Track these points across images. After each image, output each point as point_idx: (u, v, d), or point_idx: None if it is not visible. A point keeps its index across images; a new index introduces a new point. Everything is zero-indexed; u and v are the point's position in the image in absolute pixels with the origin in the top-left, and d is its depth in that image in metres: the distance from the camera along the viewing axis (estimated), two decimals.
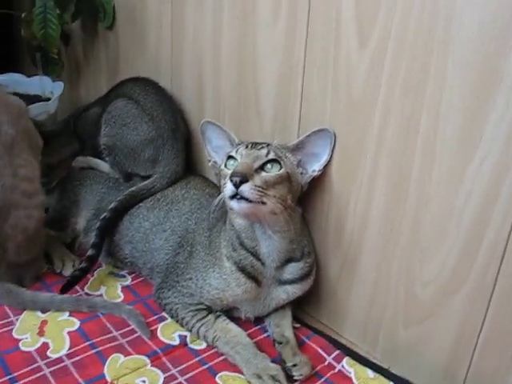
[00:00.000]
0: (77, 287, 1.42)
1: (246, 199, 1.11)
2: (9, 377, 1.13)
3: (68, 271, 1.49)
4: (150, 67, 1.77)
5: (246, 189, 1.10)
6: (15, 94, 1.99)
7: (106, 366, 1.18)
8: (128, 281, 1.50)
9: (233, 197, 1.12)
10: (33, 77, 2.01)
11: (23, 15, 1.86)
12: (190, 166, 1.64)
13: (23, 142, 1.42)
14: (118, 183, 1.61)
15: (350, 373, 1.21)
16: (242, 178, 1.10)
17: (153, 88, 1.65)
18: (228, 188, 1.12)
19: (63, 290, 1.36)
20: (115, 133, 1.59)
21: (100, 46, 2.00)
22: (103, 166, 1.66)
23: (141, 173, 1.58)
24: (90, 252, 1.44)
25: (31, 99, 1.91)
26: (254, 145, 1.22)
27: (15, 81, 2.05)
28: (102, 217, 1.48)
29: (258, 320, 1.35)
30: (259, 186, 1.12)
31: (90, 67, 2.12)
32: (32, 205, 1.40)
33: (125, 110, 1.59)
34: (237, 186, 1.10)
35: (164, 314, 1.35)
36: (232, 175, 1.12)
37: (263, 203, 1.12)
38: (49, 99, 1.90)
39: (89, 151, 1.74)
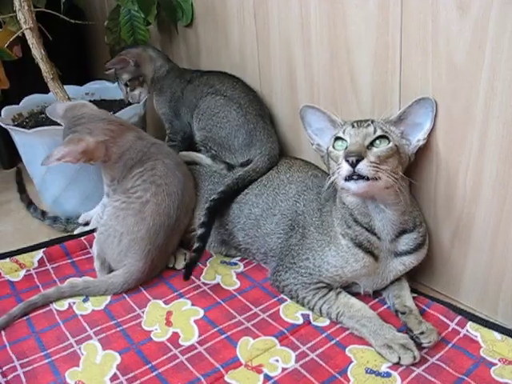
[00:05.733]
0: (193, 277, 1.47)
1: (363, 177, 1.14)
2: (149, 365, 1.19)
3: (180, 264, 1.55)
4: (235, 59, 1.81)
5: (362, 167, 1.13)
6: (103, 100, 2.07)
7: (237, 349, 1.22)
8: (241, 268, 1.55)
9: (349, 178, 1.15)
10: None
11: (106, 23, 1.93)
12: (286, 149, 1.69)
13: None
14: (222, 177, 1.64)
15: (475, 336, 1.22)
16: (358, 157, 1.13)
17: (242, 84, 1.73)
18: (344, 168, 1.15)
19: (187, 274, 1.43)
20: (205, 124, 1.67)
21: (179, 45, 2.05)
22: (205, 159, 1.70)
23: (239, 160, 1.64)
24: (200, 231, 1.47)
25: (119, 104, 1.98)
26: (360, 123, 1.24)
27: (104, 88, 2.12)
28: (210, 198, 1.52)
29: (375, 293, 1.37)
30: (374, 162, 1.15)
31: None
32: None
33: (213, 101, 1.67)
34: (353, 165, 1.13)
35: (283, 295, 1.39)
36: (347, 155, 1.15)
37: (377, 179, 1.15)
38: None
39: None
